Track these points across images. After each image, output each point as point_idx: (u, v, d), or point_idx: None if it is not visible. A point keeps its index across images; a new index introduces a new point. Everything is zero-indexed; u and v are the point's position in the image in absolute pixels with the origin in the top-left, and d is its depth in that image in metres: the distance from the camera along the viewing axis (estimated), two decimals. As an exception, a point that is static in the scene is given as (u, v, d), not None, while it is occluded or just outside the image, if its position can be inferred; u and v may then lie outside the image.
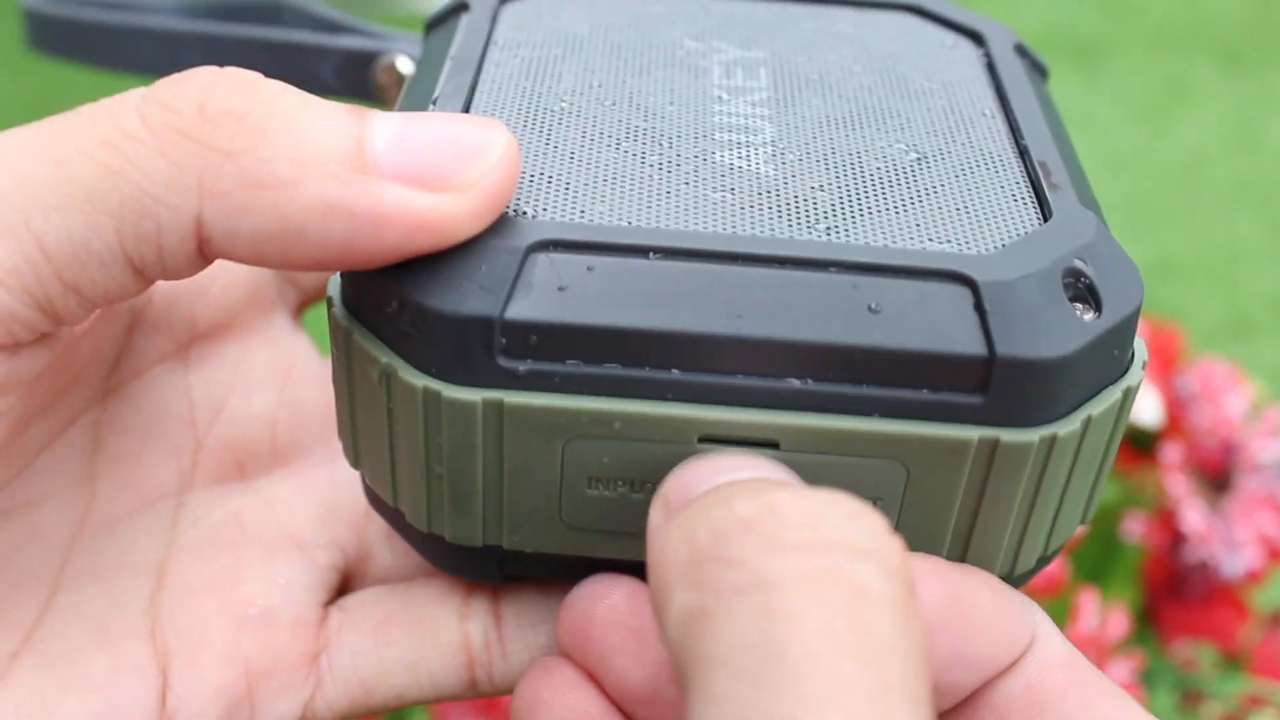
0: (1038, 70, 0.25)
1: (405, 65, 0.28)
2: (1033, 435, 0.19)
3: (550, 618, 0.22)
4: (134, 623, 0.22)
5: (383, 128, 0.19)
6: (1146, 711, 0.19)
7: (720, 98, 0.22)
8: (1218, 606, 0.56)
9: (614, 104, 0.22)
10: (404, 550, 0.24)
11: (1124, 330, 0.19)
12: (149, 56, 0.29)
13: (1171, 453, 0.52)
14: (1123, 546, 0.54)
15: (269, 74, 0.25)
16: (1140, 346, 0.20)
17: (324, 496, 0.24)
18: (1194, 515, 0.51)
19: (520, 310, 0.18)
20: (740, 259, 0.19)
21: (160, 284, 0.23)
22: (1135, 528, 0.54)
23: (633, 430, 0.19)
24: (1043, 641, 0.19)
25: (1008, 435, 0.18)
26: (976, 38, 0.25)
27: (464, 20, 0.24)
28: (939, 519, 0.19)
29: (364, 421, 0.21)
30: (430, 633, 0.22)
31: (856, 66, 0.24)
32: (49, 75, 1.32)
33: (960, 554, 0.20)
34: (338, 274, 0.20)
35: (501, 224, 0.19)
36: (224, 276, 0.24)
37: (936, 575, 0.19)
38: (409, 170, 0.18)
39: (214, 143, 0.18)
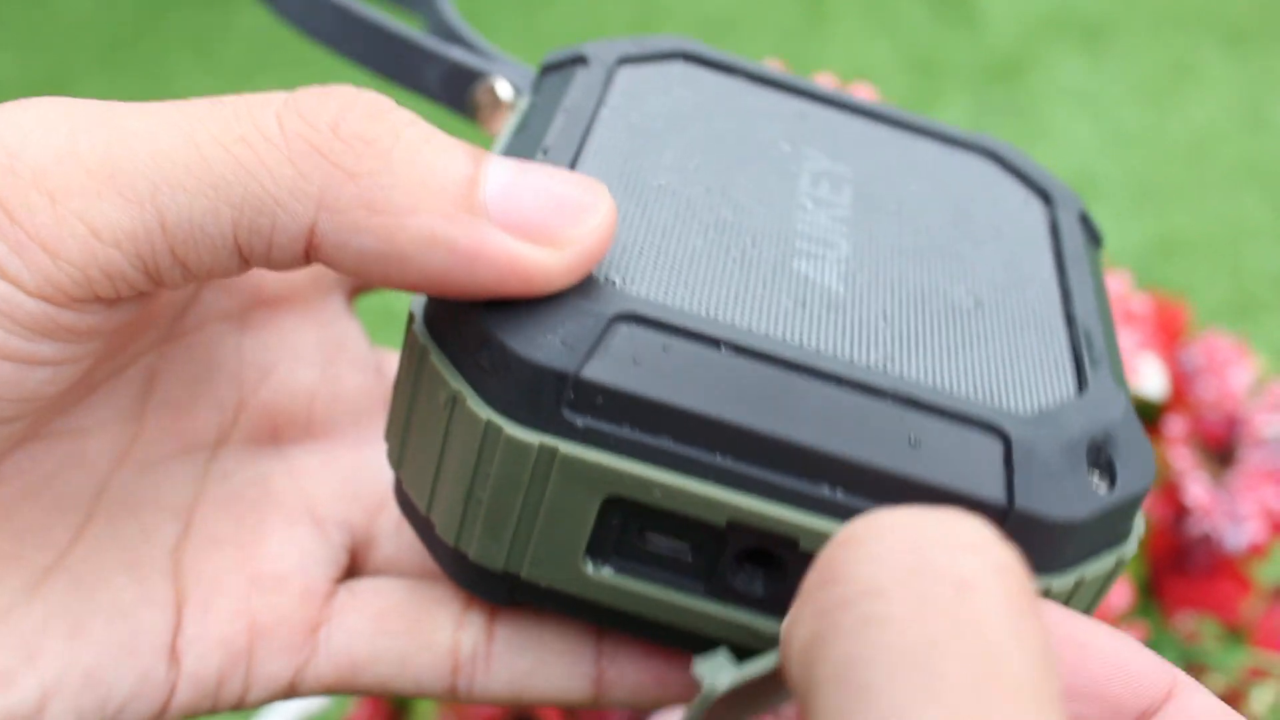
0: (1094, 240, 0.26)
1: (505, 90, 0.29)
2: (1039, 584, 0.20)
3: (539, 645, 0.24)
4: (161, 560, 0.23)
5: (496, 174, 0.20)
6: None
7: (805, 206, 0.24)
8: (1220, 579, 0.56)
9: (707, 190, 0.23)
10: (406, 547, 0.26)
11: (1130, 506, 0.21)
12: (292, 6, 0.30)
13: (1176, 426, 0.52)
14: (1126, 519, 0.54)
15: (381, 61, 0.27)
16: (1140, 520, 0.22)
17: (346, 477, 0.26)
18: (1198, 488, 0.51)
19: (595, 372, 0.20)
20: (802, 369, 0.20)
21: None
22: (1139, 501, 0.54)
23: (669, 500, 0.20)
24: (1183, 696, 0.19)
25: None
26: (1046, 197, 0.27)
27: (580, 74, 0.25)
28: None
29: (418, 433, 0.22)
30: (425, 632, 0.24)
31: (932, 200, 0.25)
32: (54, 56, 1.32)
33: None
34: (422, 298, 0.22)
35: (591, 287, 0.20)
36: None
37: (1059, 618, 0.19)
38: (514, 219, 0.20)
39: (340, 161, 0.19)
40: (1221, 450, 0.54)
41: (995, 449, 0.20)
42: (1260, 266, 1.17)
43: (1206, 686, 0.57)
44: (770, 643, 0.21)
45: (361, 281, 0.21)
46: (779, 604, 0.21)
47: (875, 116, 0.28)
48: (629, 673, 0.24)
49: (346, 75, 0.90)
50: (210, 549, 0.24)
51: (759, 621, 0.21)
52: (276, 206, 0.19)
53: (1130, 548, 0.21)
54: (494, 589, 0.22)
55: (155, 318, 0.24)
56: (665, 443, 0.20)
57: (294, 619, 0.23)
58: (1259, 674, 0.55)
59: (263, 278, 0.26)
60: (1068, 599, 0.21)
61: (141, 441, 0.24)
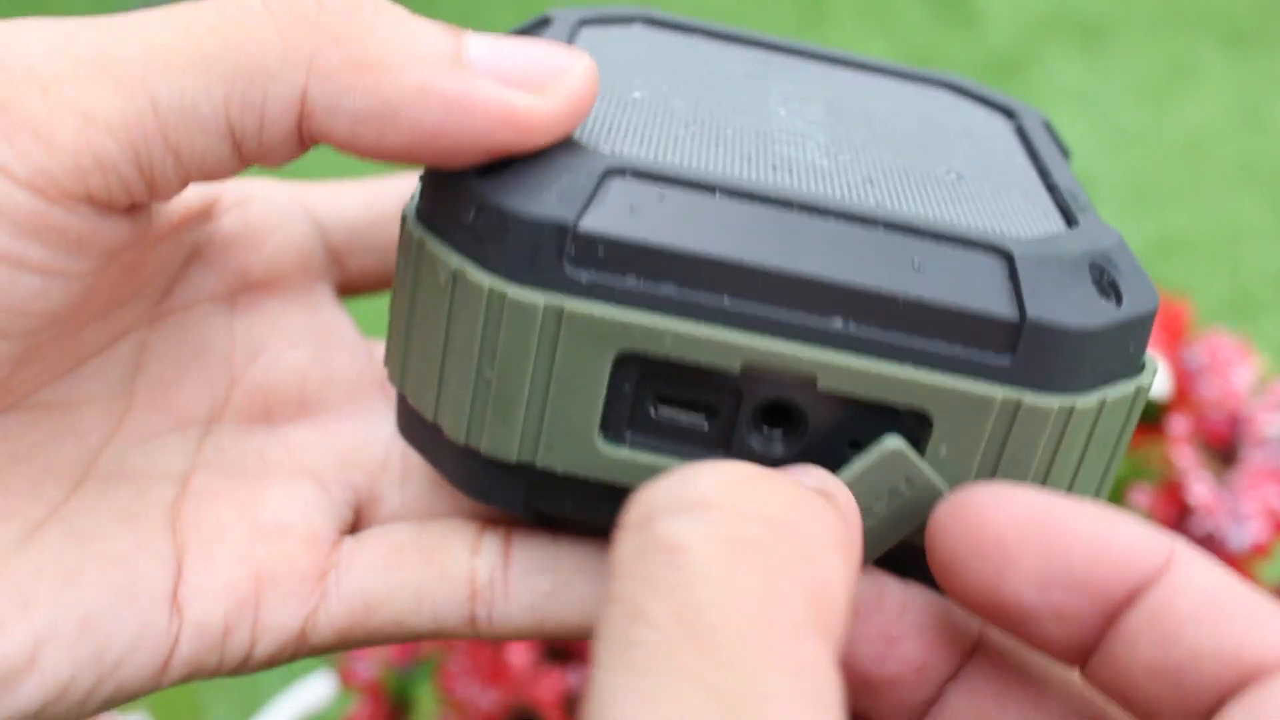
0: (1061, 151, 0.27)
1: None
2: (1053, 402, 0.20)
3: (558, 566, 0.23)
4: (158, 515, 0.23)
5: (478, 38, 0.21)
6: None
7: (779, 114, 0.24)
8: (1223, 579, 0.55)
9: (683, 102, 0.24)
10: (412, 499, 0.25)
11: (1140, 327, 0.21)
12: None
13: (1179, 425, 0.52)
14: (1129, 519, 0.54)
15: None
16: (1154, 360, 0.22)
17: (344, 445, 0.25)
18: (1201, 487, 0.51)
19: (593, 222, 0.20)
20: (799, 207, 0.20)
21: (220, 226, 0.25)
22: (1142, 499, 0.54)
23: (681, 349, 0.20)
24: (1179, 568, 0.19)
25: (1030, 398, 0.20)
26: (1009, 112, 0.27)
27: (545, 34, 0.26)
28: (955, 480, 0.20)
29: (419, 331, 0.22)
30: (440, 562, 0.23)
31: (900, 114, 0.26)
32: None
33: None
34: (413, 198, 0.22)
35: (580, 150, 0.20)
36: (279, 236, 0.26)
37: (1033, 501, 0.19)
38: (500, 72, 0.20)
39: (328, 28, 0.20)
40: (1224, 450, 0.54)
41: (999, 267, 0.20)
42: (1259, 266, 1.17)
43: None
44: None
45: (356, 151, 0.21)
46: (799, 462, 0.21)
47: (836, 60, 0.28)
48: None
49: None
50: (208, 504, 0.23)
51: None
52: (267, 77, 0.20)
53: (1148, 379, 0.21)
54: (509, 490, 0.22)
55: (139, 286, 0.24)
56: (672, 290, 0.20)
57: (301, 565, 0.23)
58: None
59: (251, 261, 0.26)
60: (1093, 424, 0.21)
61: (133, 417, 0.24)
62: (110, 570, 0.22)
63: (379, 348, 0.27)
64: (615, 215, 0.20)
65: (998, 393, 0.20)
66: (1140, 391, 0.21)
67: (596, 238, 0.20)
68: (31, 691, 0.20)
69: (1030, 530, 0.19)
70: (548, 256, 0.20)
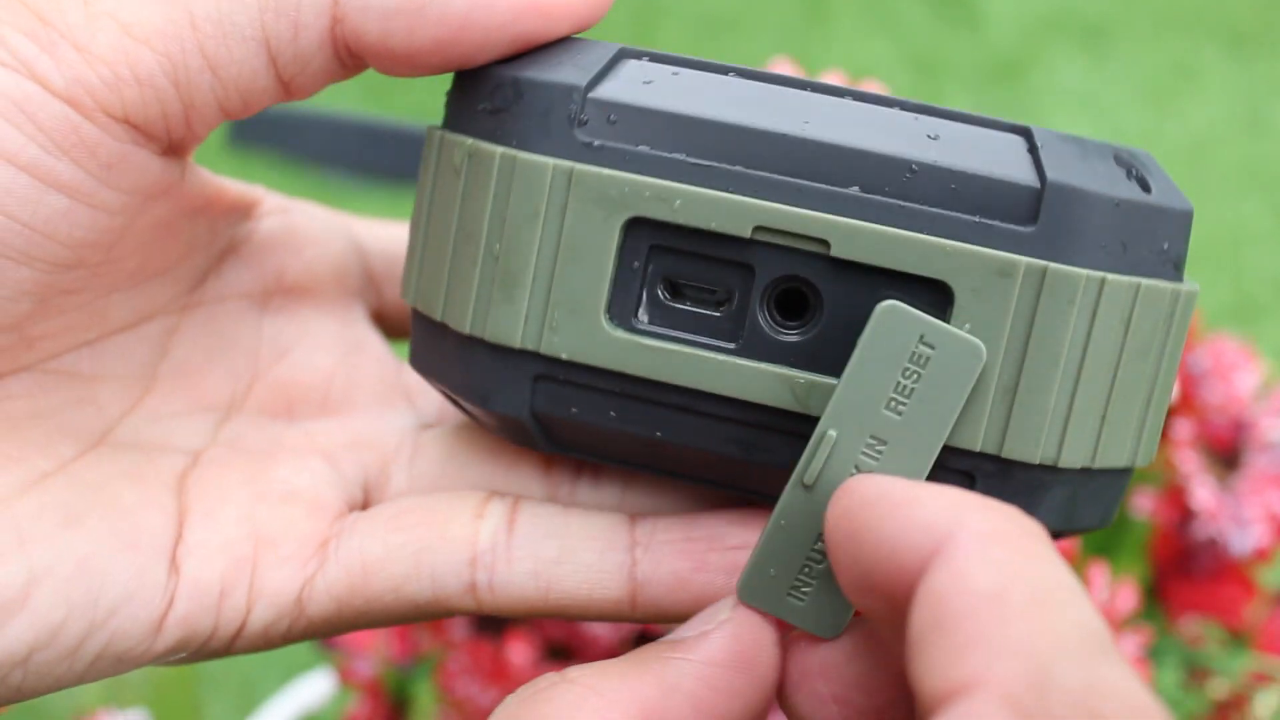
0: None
1: None
2: (1084, 273, 0.19)
3: (566, 532, 0.22)
4: (166, 478, 0.23)
5: None
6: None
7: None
8: (1225, 584, 0.56)
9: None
10: (420, 474, 0.24)
11: (1172, 223, 0.20)
12: (318, 143, 0.32)
13: (1183, 429, 0.52)
14: (1132, 522, 0.54)
15: (395, 157, 0.35)
16: (1194, 285, 0.21)
17: (360, 432, 0.25)
18: (1204, 492, 0.51)
19: (605, 90, 0.20)
20: (813, 88, 0.20)
21: (260, 226, 0.26)
22: (1145, 504, 0.54)
23: (691, 213, 0.20)
24: (950, 556, 0.16)
25: (1058, 266, 0.19)
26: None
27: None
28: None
29: (433, 228, 0.22)
30: (441, 524, 0.23)
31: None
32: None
33: (1003, 420, 0.20)
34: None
35: (599, 43, 0.21)
36: (318, 247, 0.26)
37: (863, 488, 0.18)
38: None
39: None
40: (1228, 454, 0.54)
41: (1017, 142, 0.20)
42: (1262, 271, 1.17)
43: (1209, 691, 0.57)
44: (807, 399, 0.20)
45: (389, 58, 0.21)
46: (813, 354, 0.20)
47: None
48: (665, 560, 0.22)
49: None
50: (217, 473, 0.23)
51: (795, 375, 0.20)
52: None
53: (1188, 287, 0.21)
54: (514, 387, 0.21)
55: (171, 262, 0.24)
56: (682, 157, 0.20)
57: (302, 530, 0.23)
58: (1262, 679, 0.55)
59: (287, 264, 0.26)
60: (1130, 315, 0.20)
61: (152, 397, 0.24)
62: (113, 517, 0.22)
63: (409, 369, 0.27)
64: (628, 85, 0.20)
65: (1021, 260, 0.19)
66: (1181, 299, 0.21)
67: (609, 104, 0.20)
68: (21, 631, 0.20)
69: (848, 526, 0.18)
70: (558, 122, 0.20)
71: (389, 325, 0.28)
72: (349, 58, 0.21)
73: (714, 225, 0.20)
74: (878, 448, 0.19)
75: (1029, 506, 0.20)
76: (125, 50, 0.19)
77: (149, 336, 0.24)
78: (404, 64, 0.21)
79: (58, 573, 0.21)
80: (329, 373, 0.26)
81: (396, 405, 0.26)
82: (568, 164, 0.20)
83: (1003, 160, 0.19)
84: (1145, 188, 0.20)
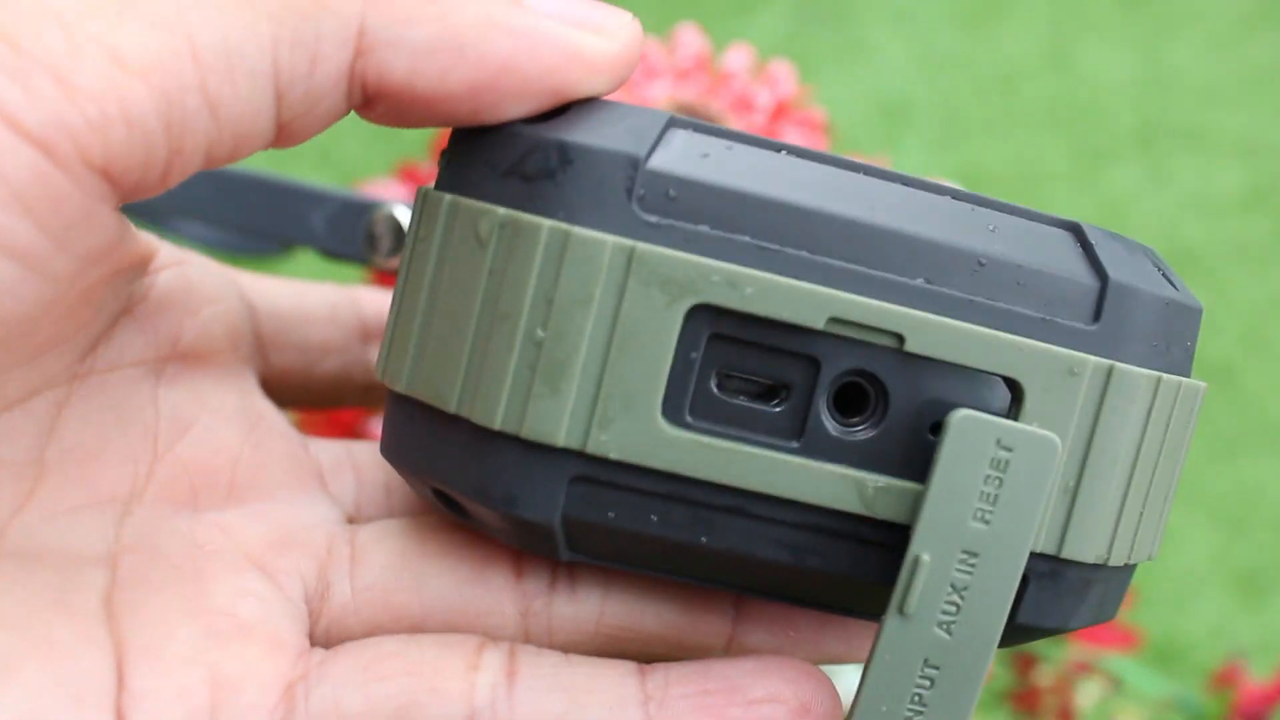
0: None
1: (404, 214, 0.28)
2: (1142, 372, 0.19)
3: (573, 685, 0.20)
4: (92, 603, 0.19)
5: None
6: None
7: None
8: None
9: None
10: (367, 588, 0.22)
11: (1196, 322, 0.21)
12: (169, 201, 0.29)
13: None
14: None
15: (263, 212, 0.28)
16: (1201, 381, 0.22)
17: (282, 527, 0.22)
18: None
19: (663, 161, 0.18)
20: (866, 170, 0.19)
21: (155, 283, 0.22)
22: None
23: (762, 301, 0.18)
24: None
25: (1123, 365, 0.19)
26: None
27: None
28: None
29: (443, 304, 0.20)
30: (430, 675, 0.20)
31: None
32: None
33: (1064, 520, 0.20)
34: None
35: (636, 106, 0.19)
36: (215, 306, 0.23)
37: None
38: (559, 12, 0.19)
39: None
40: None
41: (1067, 237, 0.20)
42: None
43: (1035, 678, 0.57)
44: (874, 502, 0.19)
45: (407, 98, 0.19)
46: (878, 452, 0.19)
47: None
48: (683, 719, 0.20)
49: None
50: (149, 594, 0.20)
51: (863, 476, 0.19)
52: (320, 9, 0.18)
53: (1199, 387, 0.21)
54: (547, 488, 0.19)
55: (74, 332, 0.20)
56: (748, 240, 0.18)
57: (264, 672, 0.19)
58: (1084, 668, 0.56)
59: (184, 327, 0.23)
60: (1171, 411, 0.20)
61: (44, 487, 0.20)
62: (52, 664, 0.18)
63: (314, 443, 0.24)
64: (686, 157, 0.19)
65: (1089, 359, 0.19)
66: (1199, 396, 0.21)
67: (668, 177, 0.18)
68: None
69: None
70: (615, 195, 0.18)
71: (273, 393, 0.25)
72: (361, 99, 0.19)
73: (785, 315, 0.18)
74: (970, 561, 0.19)
75: (1074, 605, 0.20)
76: (115, 84, 0.16)
77: (35, 414, 0.20)
78: (423, 109, 0.19)
79: None
80: (234, 453, 0.22)
81: (310, 490, 0.23)
82: (628, 243, 0.18)
83: (1060, 256, 0.19)
84: (1174, 285, 0.21)
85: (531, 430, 0.19)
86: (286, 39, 0.18)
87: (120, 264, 0.20)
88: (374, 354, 0.27)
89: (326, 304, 0.26)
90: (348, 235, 0.29)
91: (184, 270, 0.23)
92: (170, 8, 0.17)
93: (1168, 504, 0.21)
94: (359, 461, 0.24)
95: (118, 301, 0.21)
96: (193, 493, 0.22)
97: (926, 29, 1.36)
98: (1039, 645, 0.57)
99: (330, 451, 0.24)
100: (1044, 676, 0.55)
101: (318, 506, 0.22)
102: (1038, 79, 1.35)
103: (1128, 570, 0.21)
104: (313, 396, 0.27)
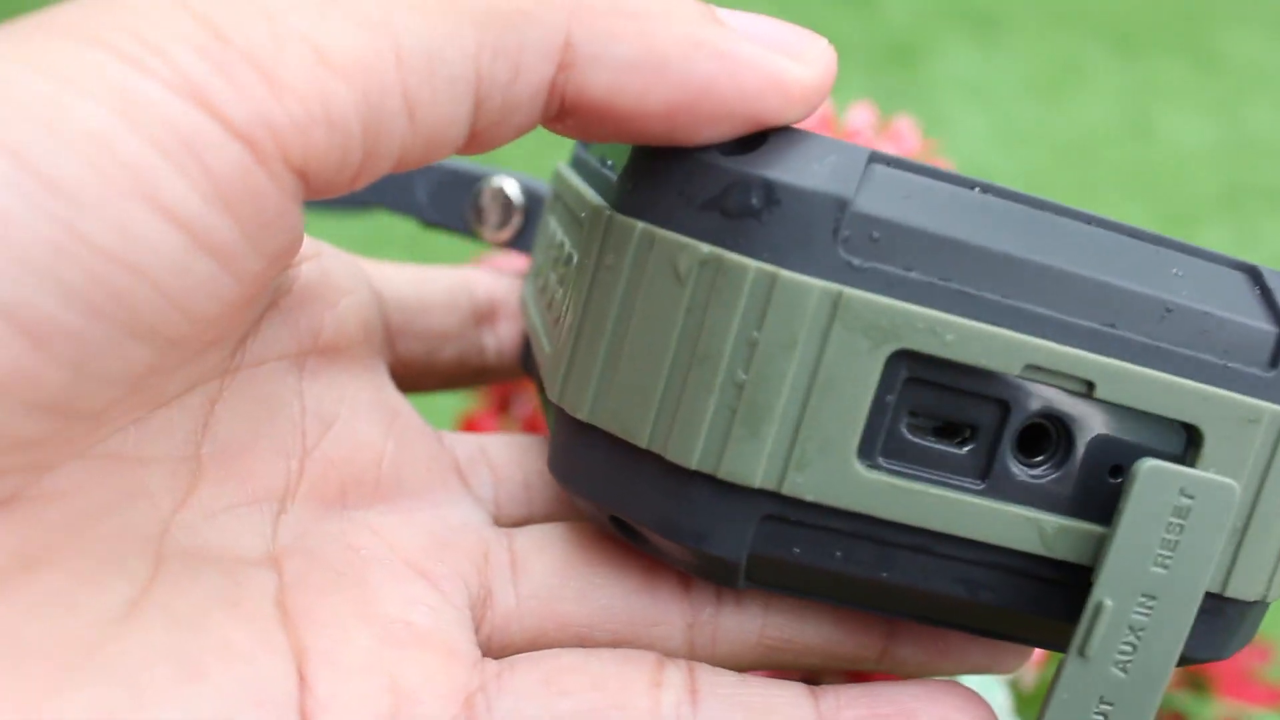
0: None
1: (514, 189, 0.28)
2: None
3: (748, 706, 0.20)
4: (266, 607, 0.19)
5: (727, 10, 0.19)
6: None
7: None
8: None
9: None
10: (531, 596, 0.21)
11: None
12: None
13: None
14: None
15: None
16: None
17: (434, 531, 0.22)
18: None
19: (868, 203, 0.18)
20: (1057, 210, 0.19)
21: (298, 275, 0.22)
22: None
23: (962, 348, 0.18)
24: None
25: None
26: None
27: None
28: None
29: (636, 339, 0.19)
30: (615, 691, 0.20)
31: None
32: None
33: (1230, 560, 0.20)
34: (588, 201, 0.20)
35: (829, 139, 0.19)
36: (351, 297, 0.23)
37: None
38: (761, 35, 0.19)
39: None
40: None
41: (1244, 280, 0.20)
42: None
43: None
44: (1055, 543, 0.20)
45: (603, 114, 0.18)
46: (1059, 494, 0.20)
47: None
48: None
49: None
50: (319, 598, 0.19)
51: (1045, 518, 0.20)
52: (525, 19, 0.18)
53: None
54: (737, 527, 0.19)
55: (232, 333, 0.20)
56: (951, 284, 0.18)
57: (443, 682, 0.19)
58: (1233, 726, 0.54)
59: (324, 320, 0.22)
60: None
61: (203, 484, 0.20)
62: (235, 667, 0.18)
63: (446, 437, 0.24)
64: (890, 199, 0.18)
65: (1266, 407, 0.19)
66: None
67: (874, 219, 0.18)
68: None
69: None
70: (821, 237, 0.18)
71: (397, 382, 0.25)
72: (558, 111, 0.18)
73: (984, 362, 0.19)
74: (1148, 604, 0.19)
75: (1228, 637, 0.21)
76: (320, 83, 0.16)
77: (191, 409, 0.20)
78: (617, 126, 0.18)
79: None
80: (377, 449, 0.22)
81: (454, 489, 0.23)
82: (835, 287, 0.18)
83: (1240, 301, 0.20)
84: None
85: (729, 472, 0.19)
86: (490, 46, 0.17)
87: (292, 261, 0.20)
88: (488, 338, 0.27)
89: (444, 290, 0.26)
90: (451, 206, 0.29)
91: (321, 262, 0.23)
92: (376, 7, 0.17)
93: None
94: (493, 457, 0.24)
95: (267, 296, 0.21)
96: (341, 491, 0.22)
97: (1002, 101, 1.37)
98: (1184, 704, 0.55)
99: (465, 446, 0.24)
100: (1191, 735, 0.53)
101: (463, 506, 0.22)
102: (1117, 146, 1.34)
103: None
104: (431, 383, 0.27)
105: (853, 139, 0.41)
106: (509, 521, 0.23)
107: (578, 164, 0.25)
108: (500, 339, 0.28)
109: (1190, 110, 1.40)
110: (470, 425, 0.40)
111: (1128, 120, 1.38)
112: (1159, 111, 1.40)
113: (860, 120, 0.42)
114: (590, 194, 0.21)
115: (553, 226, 0.26)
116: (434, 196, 0.29)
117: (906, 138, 0.42)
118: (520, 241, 0.30)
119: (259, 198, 0.16)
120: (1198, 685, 0.56)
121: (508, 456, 0.24)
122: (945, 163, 0.43)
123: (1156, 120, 1.38)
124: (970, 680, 0.35)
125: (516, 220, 0.29)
